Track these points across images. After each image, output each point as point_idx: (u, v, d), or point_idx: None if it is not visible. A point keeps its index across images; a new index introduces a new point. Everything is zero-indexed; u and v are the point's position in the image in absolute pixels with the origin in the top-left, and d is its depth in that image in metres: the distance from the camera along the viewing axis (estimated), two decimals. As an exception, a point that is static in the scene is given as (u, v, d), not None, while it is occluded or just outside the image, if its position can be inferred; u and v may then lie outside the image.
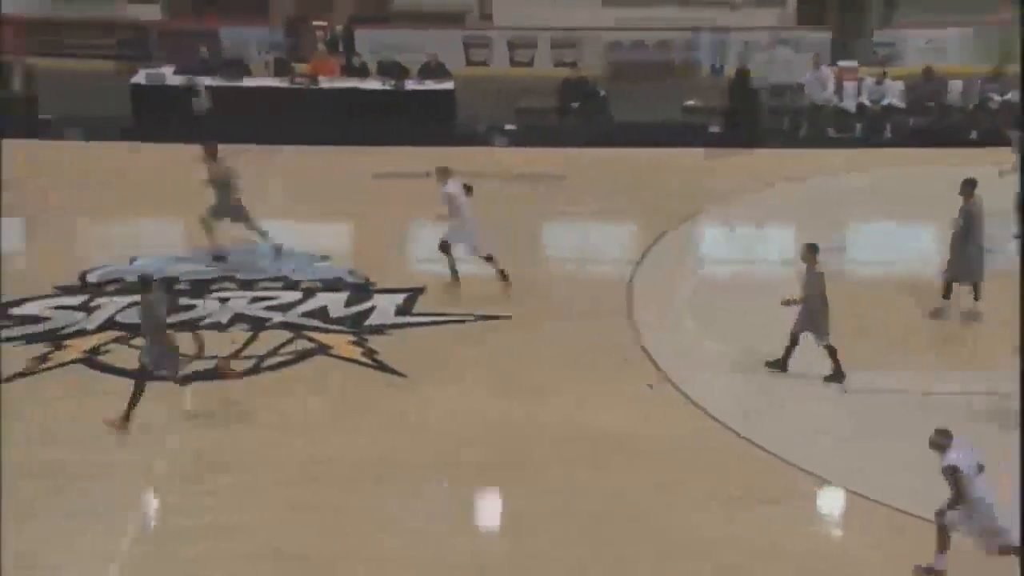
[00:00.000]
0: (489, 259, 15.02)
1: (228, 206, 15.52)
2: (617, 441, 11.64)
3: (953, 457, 9.27)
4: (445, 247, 15.11)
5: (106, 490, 10.70)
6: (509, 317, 14.35)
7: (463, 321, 14.29)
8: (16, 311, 14.13)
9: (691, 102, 22.63)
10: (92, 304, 14.44)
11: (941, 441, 9.35)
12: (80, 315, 14.17)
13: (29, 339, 13.53)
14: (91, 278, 15.13)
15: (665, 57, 25.52)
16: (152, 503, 10.87)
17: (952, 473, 9.25)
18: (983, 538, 9.35)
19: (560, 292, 15.22)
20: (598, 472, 11.17)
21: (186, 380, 12.13)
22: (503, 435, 11.80)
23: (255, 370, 13.08)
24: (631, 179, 19.37)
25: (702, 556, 9.99)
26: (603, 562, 9.95)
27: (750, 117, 21.80)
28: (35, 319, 14.02)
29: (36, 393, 12.51)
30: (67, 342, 13.51)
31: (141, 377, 11.65)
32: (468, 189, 15.06)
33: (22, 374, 12.75)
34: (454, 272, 15.21)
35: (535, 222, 17.89)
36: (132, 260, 15.64)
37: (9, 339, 13.50)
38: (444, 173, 15.17)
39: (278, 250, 15.77)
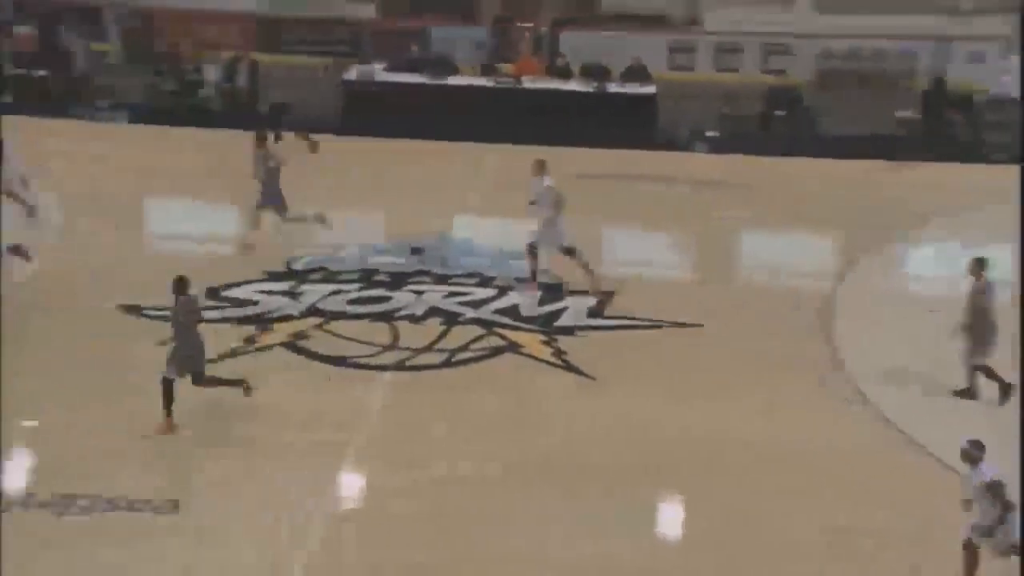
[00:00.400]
0: (570, 252, 14.86)
1: (271, 193, 15.86)
2: (804, 456, 11.41)
3: (991, 470, 9.05)
4: (533, 250, 15.07)
5: (295, 472, 11.11)
6: (701, 326, 14.25)
7: (656, 327, 14.27)
8: (229, 293, 14.89)
9: (904, 113, 21.89)
10: (298, 290, 15.08)
11: (975, 453, 9.12)
12: (286, 300, 14.83)
13: (240, 321, 14.25)
14: (297, 266, 15.78)
15: (880, 66, 24.74)
16: (343, 488, 11.24)
17: (1001, 487, 8.95)
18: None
19: (754, 304, 15.02)
20: (782, 486, 10.96)
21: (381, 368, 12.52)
22: (685, 444, 11.73)
23: (447, 364, 13.39)
24: (834, 190, 18.92)
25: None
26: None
27: (946, 129, 20.93)
28: (246, 302, 14.75)
29: (242, 372, 13.14)
30: (274, 325, 14.16)
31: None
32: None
33: (232, 353, 13.41)
34: (534, 274, 15.18)
35: (729, 231, 17.69)
36: (336, 249, 16.25)
37: (223, 320, 14.23)
38: (540, 167, 15.11)
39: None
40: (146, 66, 22.87)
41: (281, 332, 14.00)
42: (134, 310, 14.26)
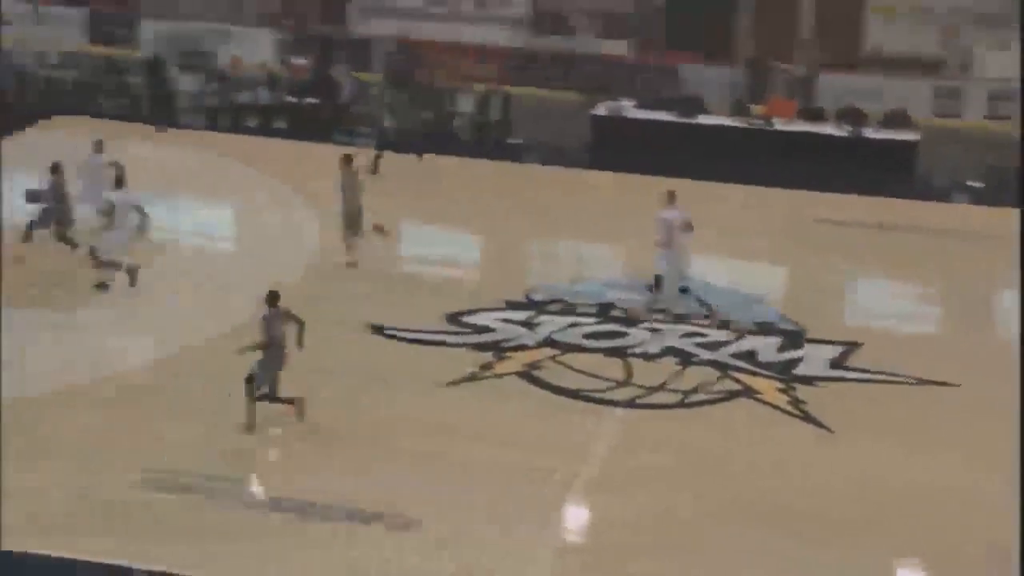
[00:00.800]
0: (685, 291, 15.24)
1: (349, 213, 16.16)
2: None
3: None
4: (659, 284, 15.23)
5: (522, 496, 11.24)
6: (958, 386, 13.51)
7: (904, 383, 13.65)
8: (469, 319, 15.22)
9: None
10: (535, 321, 15.26)
11: None
12: (523, 330, 15.03)
13: (477, 347, 14.54)
14: (536, 296, 15.99)
15: None
16: (568, 518, 11.29)
17: None
18: None
19: (1010, 363, 14.09)
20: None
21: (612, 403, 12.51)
22: (922, 500, 11.16)
23: (680, 404, 13.22)
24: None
25: None
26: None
27: None
28: (484, 329, 15.04)
29: (476, 397, 13.44)
30: (509, 354, 14.38)
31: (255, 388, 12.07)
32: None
33: (469, 378, 13.71)
34: (650, 310, 15.08)
35: (987, 285, 16.73)
36: (574, 282, 16.37)
37: (461, 345, 14.57)
38: (671, 197, 15.25)
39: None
40: (405, 95, 23.79)
41: (516, 361, 14.19)
42: (379, 330, 14.77)
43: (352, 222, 16.47)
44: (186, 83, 23.04)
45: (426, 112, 22.85)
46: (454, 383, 13.56)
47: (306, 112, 22.52)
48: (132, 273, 15.37)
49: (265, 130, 21.64)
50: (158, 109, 22.65)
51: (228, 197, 18.51)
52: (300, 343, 12.50)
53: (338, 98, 23.05)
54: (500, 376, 13.86)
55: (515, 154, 21.68)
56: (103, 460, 11.71)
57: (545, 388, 13.58)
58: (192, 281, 16.05)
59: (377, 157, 19.93)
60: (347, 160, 16.71)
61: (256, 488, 11.65)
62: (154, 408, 12.76)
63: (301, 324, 12.50)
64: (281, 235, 17.70)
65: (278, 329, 12.31)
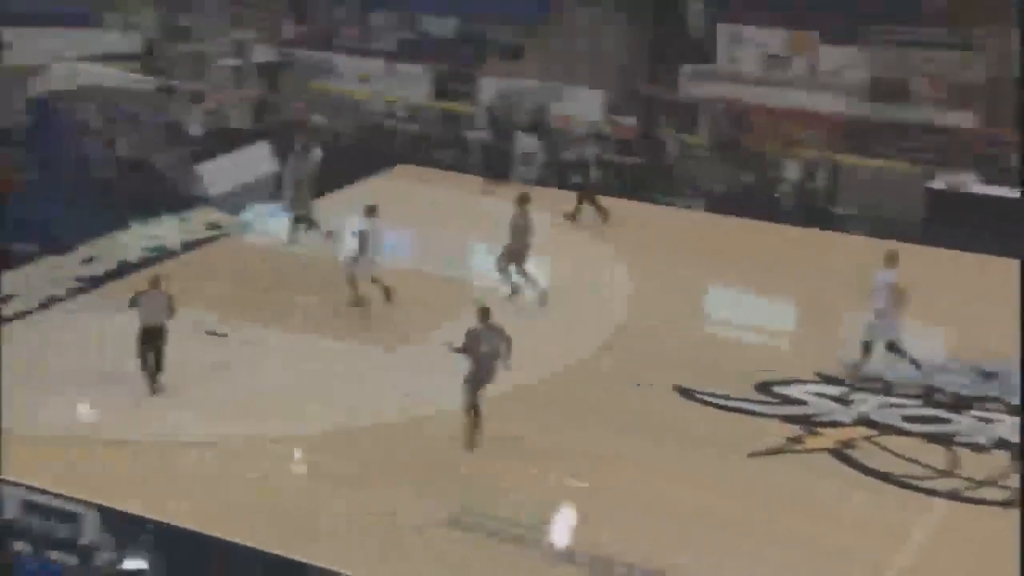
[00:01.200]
0: (894, 348, 14.77)
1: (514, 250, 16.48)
2: None
3: None
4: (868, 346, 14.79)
5: (838, 571, 10.56)
6: None
7: None
8: (780, 390, 14.65)
9: None
10: (850, 397, 14.47)
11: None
12: (837, 406, 14.29)
13: (787, 419, 13.95)
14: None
15: None
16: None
17: None
18: None
19: None
20: None
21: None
22: None
23: (1010, 503, 12.09)
24: None
25: None
26: None
27: None
28: (796, 401, 14.42)
29: (784, 470, 12.88)
30: (821, 429, 13.70)
31: None
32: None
33: (777, 450, 13.22)
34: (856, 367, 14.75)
35: None
36: (896, 360, 15.38)
37: (771, 415, 14.03)
38: (891, 259, 14.98)
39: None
40: (730, 158, 23.50)
41: (828, 438, 13.54)
42: (686, 393, 14.49)
43: (515, 258, 16.86)
44: (519, 139, 23.71)
45: (749, 176, 22.40)
46: (760, 453, 13.09)
47: (630, 171, 22.64)
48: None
49: (589, 187, 21.91)
50: (492, 162, 23.47)
51: (544, 250, 18.82)
52: (507, 360, 12.97)
53: (662, 158, 23.04)
54: (810, 451, 13.28)
55: (841, 224, 20.83)
56: (420, 491, 12.08)
57: (858, 469, 12.85)
58: (509, 327, 16.37)
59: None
60: (523, 199, 17.15)
61: (550, 535, 11.62)
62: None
63: (509, 341, 12.92)
64: (593, 290, 17.77)
65: (488, 344, 12.93)
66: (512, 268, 17.01)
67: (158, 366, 14.15)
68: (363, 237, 16.60)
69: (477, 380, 12.91)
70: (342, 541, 11.40)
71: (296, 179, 18.57)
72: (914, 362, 14.91)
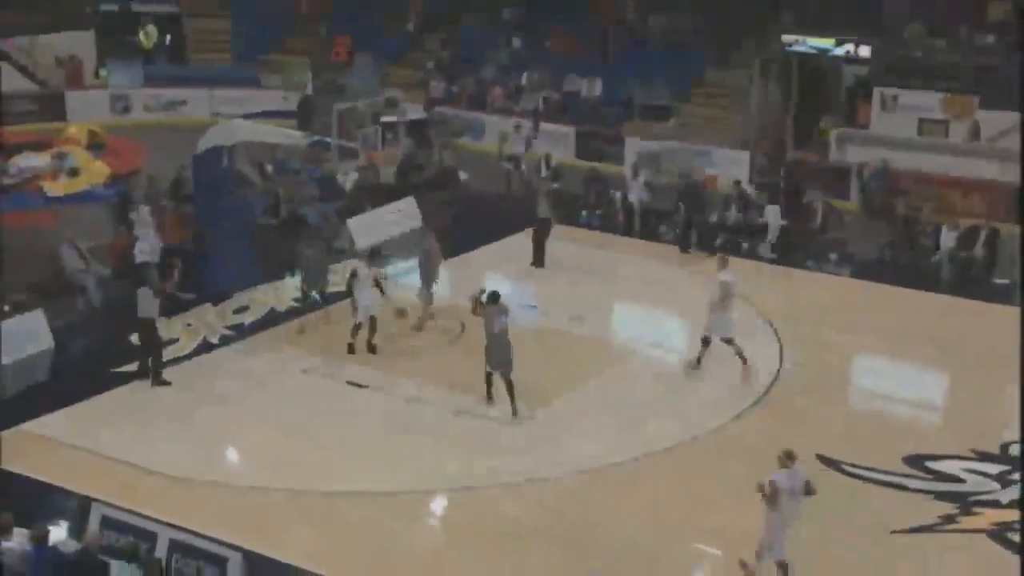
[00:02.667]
0: (729, 342, 16.12)
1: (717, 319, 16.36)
2: None
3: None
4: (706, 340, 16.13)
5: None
6: None
7: None
8: (932, 465, 14.12)
9: None
10: (1011, 477, 13.84)
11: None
12: (996, 485, 13.68)
13: (940, 496, 13.41)
14: (1013, 450, 14.53)
15: None
16: None
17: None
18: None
19: None
20: None
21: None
22: None
23: None
24: None
25: None
26: None
27: None
28: (950, 478, 13.87)
29: (934, 550, 12.37)
30: (978, 509, 13.12)
31: None
32: None
33: (928, 528, 12.77)
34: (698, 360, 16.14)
35: None
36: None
37: (923, 491, 13.53)
38: (723, 263, 16.35)
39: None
40: (881, 224, 22.93)
41: (986, 519, 12.96)
42: (833, 464, 14.09)
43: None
44: (657, 199, 23.61)
45: (902, 243, 21.79)
46: (909, 531, 12.58)
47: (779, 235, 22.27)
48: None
49: (732, 250, 21.64)
50: (631, 222, 23.43)
51: (690, 314, 18.68)
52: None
53: (811, 223, 22.60)
54: (964, 531, 12.69)
55: (1000, 295, 20.04)
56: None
57: (1017, 552, 12.18)
58: (651, 386, 16.25)
59: None
60: (723, 263, 16.92)
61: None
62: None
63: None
64: (737, 358, 17.48)
65: (496, 326, 15.01)
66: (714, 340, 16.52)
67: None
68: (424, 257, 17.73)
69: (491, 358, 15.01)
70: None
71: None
72: (741, 355, 16.26)
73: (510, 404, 15.09)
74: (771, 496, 11.48)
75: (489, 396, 15.34)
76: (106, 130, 23.09)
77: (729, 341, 16.36)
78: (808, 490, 11.62)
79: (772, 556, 11.68)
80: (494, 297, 15.35)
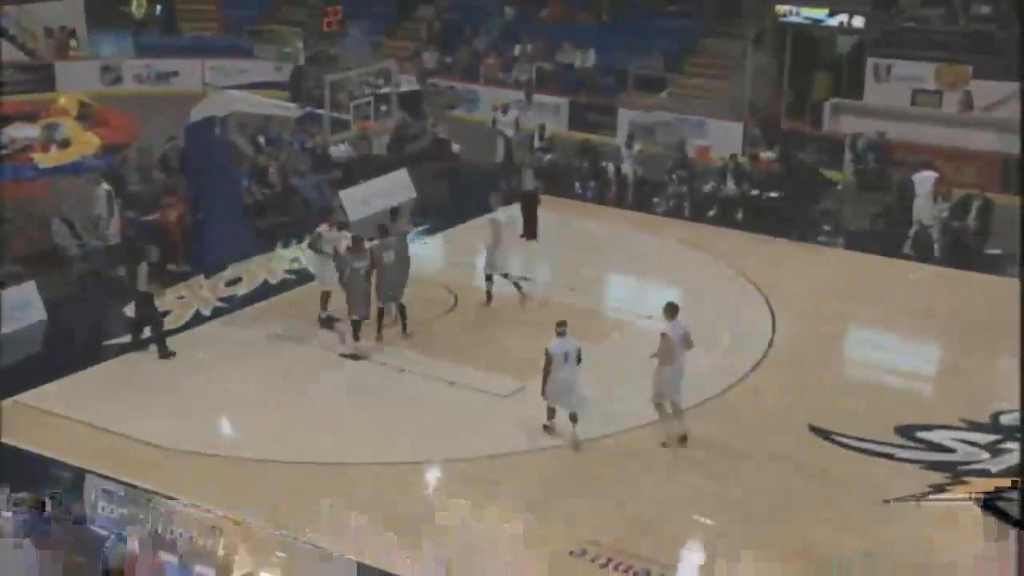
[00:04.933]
0: (505, 276, 17.32)
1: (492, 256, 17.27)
2: None
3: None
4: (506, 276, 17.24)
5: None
6: None
7: None
8: (923, 435, 14.22)
9: None
10: (1000, 446, 13.94)
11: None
12: (985, 455, 13.79)
13: (930, 466, 13.52)
14: (1004, 420, 14.62)
15: None
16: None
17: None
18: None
19: None
20: None
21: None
22: None
23: None
24: None
25: None
26: None
27: None
28: (940, 448, 13.98)
29: (923, 519, 12.49)
30: (968, 479, 13.23)
31: None
32: None
33: (917, 498, 12.88)
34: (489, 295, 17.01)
35: None
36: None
37: (913, 461, 13.63)
38: (497, 200, 17.44)
39: None
40: (875, 195, 22.95)
41: (975, 487, 13.04)
42: (823, 433, 14.19)
43: None
44: (647, 170, 23.59)
45: (894, 213, 21.78)
46: (899, 500, 12.69)
47: (767, 205, 22.28)
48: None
49: (725, 221, 21.66)
50: (624, 193, 23.42)
51: (682, 282, 18.72)
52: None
53: (804, 193, 22.59)
54: (954, 501, 12.79)
55: (992, 266, 20.10)
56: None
57: (1009, 522, 12.27)
58: (643, 357, 16.29)
59: None
60: None
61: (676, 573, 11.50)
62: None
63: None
64: (730, 325, 17.55)
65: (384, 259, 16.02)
66: None
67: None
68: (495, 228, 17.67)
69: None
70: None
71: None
72: (517, 285, 17.40)
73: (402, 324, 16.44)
74: (664, 349, 13.54)
75: (379, 333, 16.42)
76: (96, 101, 22.99)
77: (505, 275, 17.54)
78: (688, 343, 13.73)
79: (669, 396, 13.77)
80: (383, 231, 16.56)
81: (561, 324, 13.85)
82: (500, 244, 17.61)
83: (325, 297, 17.13)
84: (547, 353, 13.68)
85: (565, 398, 13.81)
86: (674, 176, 22.68)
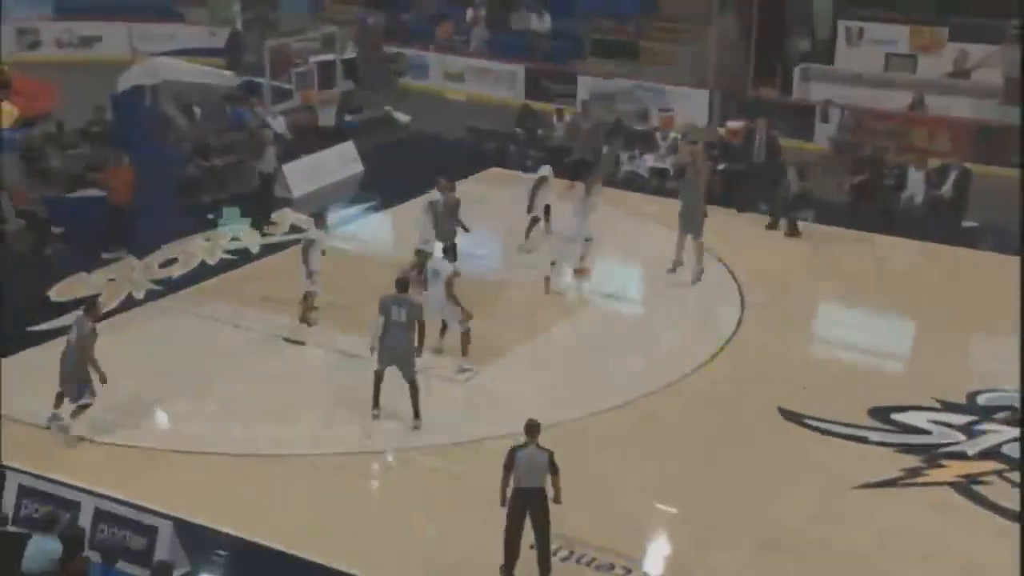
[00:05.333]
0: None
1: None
2: None
3: None
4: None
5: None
6: None
7: None
8: (898, 417, 14.36)
9: None
10: (977, 428, 14.12)
11: None
12: (961, 436, 13.96)
13: (905, 449, 13.68)
14: (980, 400, 14.81)
15: None
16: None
17: None
18: None
19: None
20: None
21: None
22: None
23: None
24: None
25: None
26: None
27: None
28: (915, 430, 14.14)
29: (898, 504, 12.64)
30: (944, 462, 13.40)
31: None
32: None
33: (891, 482, 12.99)
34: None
35: None
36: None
37: (885, 444, 13.77)
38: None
39: None
40: (847, 165, 23.03)
41: (951, 471, 13.24)
42: (794, 417, 14.30)
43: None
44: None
45: (862, 184, 21.85)
46: (872, 485, 12.83)
47: (734, 177, 22.33)
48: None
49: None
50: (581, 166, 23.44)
51: (653, 263, 18.75)
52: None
53: (772, 165, 22.61)
54: (929, 484, 12.96)
55: (968, 238, 20.31)
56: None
57: (985, 506, 12.50)
58: (611, 343, 16.35)
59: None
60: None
61: (642, 564, 11.55)
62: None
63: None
64: (699, 304, 17.63)
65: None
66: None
67: None
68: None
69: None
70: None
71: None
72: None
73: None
74: None
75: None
76: (13, 68, 22.62)
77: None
78: None
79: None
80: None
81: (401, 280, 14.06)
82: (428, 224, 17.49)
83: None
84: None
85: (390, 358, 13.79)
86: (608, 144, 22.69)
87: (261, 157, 20.78)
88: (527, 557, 11.18)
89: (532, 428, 11.13)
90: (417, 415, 13.83)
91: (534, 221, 19.15)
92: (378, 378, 13.91)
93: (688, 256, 17.94)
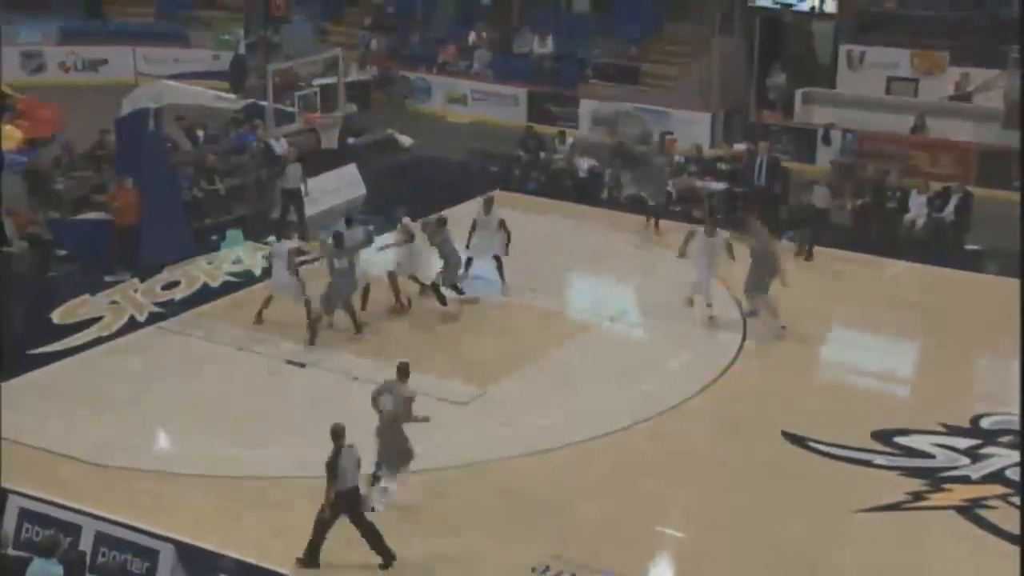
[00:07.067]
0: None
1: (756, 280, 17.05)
2: None
3: None
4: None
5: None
6: None
7: None
8: (901, 440, 14.32)
9: None
10: (981, 451, 14.08)
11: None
12: (966, 460, 13.91)
13: (908, 472, 13.63)
14: (984, 424, 14.77)
15: None
16: None
17: None
18: None
19: None
20: None
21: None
22: None
23: None
24: None
25: None
26: None
27: None
28: (919, 453, 14.09)
29: (901, 528, 12.58)
30: (948, 486, 13.34)
31: None
32: None
33: (895, 506, 12.91)
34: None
35: None
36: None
37: (888, 467, 13.72)
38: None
39: None
40: (849, 188, 23.02)
41: (955, 495, 13.18)
42: (798, 440, 14.26)
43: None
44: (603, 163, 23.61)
45: (864, 207, 21.84)
46: (876, 509, 12.77)
47: (735, 198, 22.36)
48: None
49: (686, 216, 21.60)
50: (582, 189, 23.48)
51: (657, 284, 18.75)
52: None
53: (773, 188, 22.61)
54: (933, 508, 12.91)
55: (971, 262, 20.30)
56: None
57: (990, 531, 12.43)
58: (607, 361, 16.33)
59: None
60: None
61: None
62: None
63: None
64: (703, 329, 17.60)
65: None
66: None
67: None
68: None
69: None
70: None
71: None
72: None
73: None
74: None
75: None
76: (19, 91, 22.71)
77: (415, 278, 18.00)
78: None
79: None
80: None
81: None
82: (412, 251, 17.82)
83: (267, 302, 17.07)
84: None
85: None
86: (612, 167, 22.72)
87: (283, 175, 20.90)
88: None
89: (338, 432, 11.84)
90: None
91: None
92: None
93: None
